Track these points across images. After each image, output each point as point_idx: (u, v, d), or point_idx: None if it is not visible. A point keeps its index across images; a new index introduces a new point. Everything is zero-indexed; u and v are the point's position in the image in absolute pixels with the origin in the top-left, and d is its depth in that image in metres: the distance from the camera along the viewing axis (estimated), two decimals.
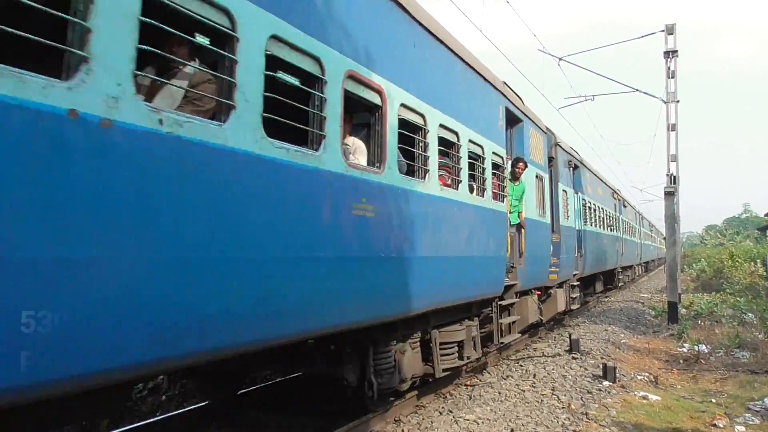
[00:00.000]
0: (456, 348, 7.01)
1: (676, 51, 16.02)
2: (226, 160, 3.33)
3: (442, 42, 6.36)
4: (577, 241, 14.56)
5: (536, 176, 10.44)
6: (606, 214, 20.26)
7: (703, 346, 11.24)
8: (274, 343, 3.97)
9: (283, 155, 3.78)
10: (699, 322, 14.87)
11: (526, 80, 17.70)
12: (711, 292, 22.88)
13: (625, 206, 27.11)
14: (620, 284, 25.39)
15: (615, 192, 23.85)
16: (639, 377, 8.94)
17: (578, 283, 15.39)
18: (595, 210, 17.81)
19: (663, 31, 16.23)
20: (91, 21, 2.61)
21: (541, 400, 7.14)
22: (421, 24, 5.85)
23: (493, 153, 7.89)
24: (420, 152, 5.80)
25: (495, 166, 7.97)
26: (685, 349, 11.48)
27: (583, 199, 15.86)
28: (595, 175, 18.98)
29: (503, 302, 8.61)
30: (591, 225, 16.92)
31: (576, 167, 15.27)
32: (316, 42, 4.14)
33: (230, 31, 3.36)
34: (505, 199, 8.42)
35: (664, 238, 21.24)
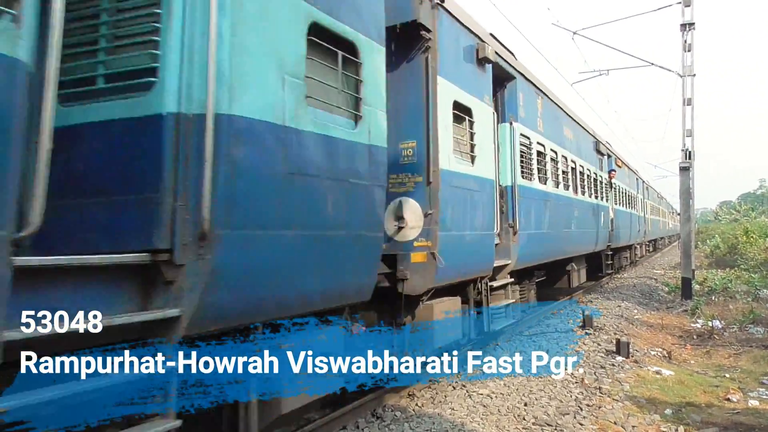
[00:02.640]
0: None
1: (693, 23, 15.69)
2: None
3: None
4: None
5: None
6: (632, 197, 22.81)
7: (717, 322, 11.21)
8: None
9: None
10: (713, 298, 14.81)
11: (540, 55, 17.54)
12: (725, 269, 22.71)
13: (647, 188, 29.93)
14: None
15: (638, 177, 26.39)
16: (652, 352, 8.96)
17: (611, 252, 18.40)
18: (626, 194, 20.44)
19: (680, 3, 15.90)
20: None
21: None
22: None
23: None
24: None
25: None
26: (698, 325, 11.47)
27: (619, 186, 18.51)
28: (628, 167, 22.11)
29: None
30: (622, 206, 19.39)
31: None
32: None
33: None
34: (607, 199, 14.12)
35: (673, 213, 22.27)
